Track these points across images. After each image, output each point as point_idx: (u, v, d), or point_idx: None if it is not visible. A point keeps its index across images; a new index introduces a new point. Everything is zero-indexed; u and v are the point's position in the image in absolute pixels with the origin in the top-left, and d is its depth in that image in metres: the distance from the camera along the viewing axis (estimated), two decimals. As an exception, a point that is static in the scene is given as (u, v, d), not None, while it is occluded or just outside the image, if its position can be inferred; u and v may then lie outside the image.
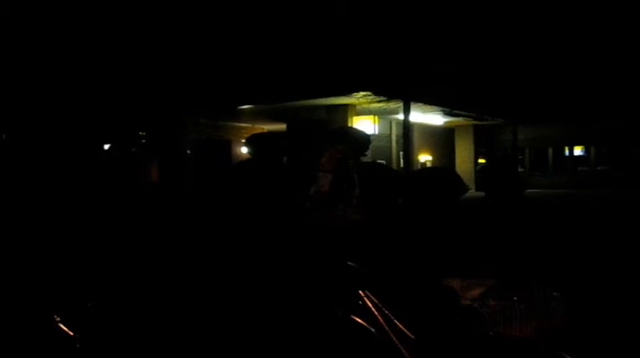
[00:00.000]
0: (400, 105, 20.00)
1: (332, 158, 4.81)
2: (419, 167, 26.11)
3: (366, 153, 5.07)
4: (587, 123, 28.99)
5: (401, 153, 24.38)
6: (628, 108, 26.36)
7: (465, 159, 29.56)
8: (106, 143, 17.03)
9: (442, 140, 30.14)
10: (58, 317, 3.47)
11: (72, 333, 3.43)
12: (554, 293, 3.40)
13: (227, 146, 24.77)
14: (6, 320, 4.06)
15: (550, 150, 34.10)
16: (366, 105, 20.93)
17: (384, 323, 3.74)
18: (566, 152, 34.11)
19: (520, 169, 32.34)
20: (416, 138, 26.08)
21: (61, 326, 3.44)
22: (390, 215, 4.59)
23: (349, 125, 19.62)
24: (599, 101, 26.43)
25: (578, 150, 33.86)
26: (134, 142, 20.60)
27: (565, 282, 3.54)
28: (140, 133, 21.20)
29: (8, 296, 4.56)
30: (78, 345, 3.39)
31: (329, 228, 4.60)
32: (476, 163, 30.01)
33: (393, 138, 26.71)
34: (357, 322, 3.83)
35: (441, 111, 24.22)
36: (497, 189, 4.45)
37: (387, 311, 3.77)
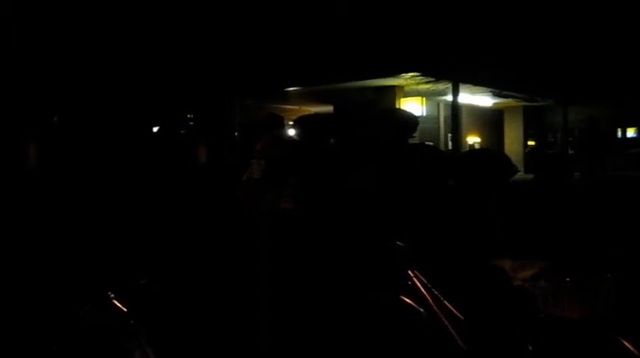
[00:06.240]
0: (449, 86, 19.81)
1: (268, 144, 4.79)
2: (467, 149, 25.84)
3: (414, 134, 5.05)
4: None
5: (449, 134, 24.16)
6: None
7: (514, 141, 29.15)
8: (155, 126, 17.24)
9: (491, 122, 29.76)
10: (111, 293, 3.54)
11: (125, 309, 3.50)
12: (607, 275, 3.36)
13: (274, 128, 24.73)
14: (62, 297, 4.16)
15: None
16: (413, 87, 20.76)
17: (433, 304, 3.74)
18: (619, 134, 33.34)
19: (570, 151, 31.76)
20: (464, 119, 25.77)
21: (115, 302, 3.51)
22: (438, 195, 4.57)
23: (397, 106, 19.53)
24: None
25: (630, 133, 33.05)
26: (182, 125, 20.85)
27: (618, 263, 3.48)
28: (188, 116, 21.44)
29: (64, 273, 4.69)
30: (132, 321, 3.46)
31: (257, 216, 4.57)
32: (525, 145, 29.59)
33: (441, 119, 26.50)
34: (406, 302, 3.83)
35: (490, 92, 23.88)
36: (546, 171, 4.40)
37: (436, 292, 3.77)
